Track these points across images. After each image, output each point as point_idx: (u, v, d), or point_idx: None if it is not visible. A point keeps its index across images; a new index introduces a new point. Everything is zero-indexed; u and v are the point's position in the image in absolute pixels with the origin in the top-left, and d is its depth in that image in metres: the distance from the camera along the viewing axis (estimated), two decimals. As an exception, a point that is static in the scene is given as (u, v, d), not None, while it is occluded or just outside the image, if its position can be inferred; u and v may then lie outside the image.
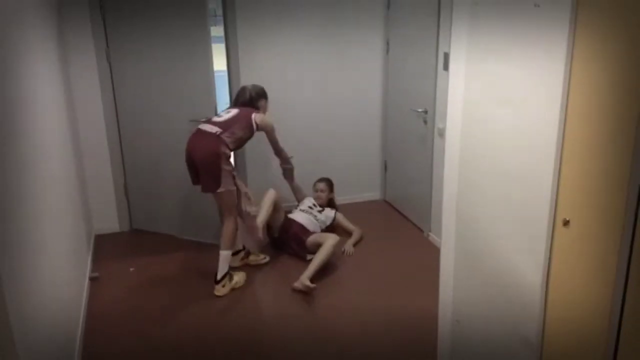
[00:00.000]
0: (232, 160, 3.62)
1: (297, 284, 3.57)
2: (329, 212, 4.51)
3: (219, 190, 3.44)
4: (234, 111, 3.71)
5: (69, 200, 3.28)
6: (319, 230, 4.23)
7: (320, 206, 4.50)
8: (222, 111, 3.78)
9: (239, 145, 3.69)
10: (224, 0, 4.50)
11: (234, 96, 4.11)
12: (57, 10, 3.85)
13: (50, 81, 3.10)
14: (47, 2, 3.29)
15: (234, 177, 3.52)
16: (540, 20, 1.86)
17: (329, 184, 4.64)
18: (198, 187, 3.57)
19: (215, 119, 3.64)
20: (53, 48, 3.38)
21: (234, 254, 3.75)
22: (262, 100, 3.91)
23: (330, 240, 3.81)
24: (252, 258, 4.00)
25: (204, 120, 3.70)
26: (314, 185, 4.60)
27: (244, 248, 3.98)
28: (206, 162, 3.41)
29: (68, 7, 4.05)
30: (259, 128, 3.74)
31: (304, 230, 4.09)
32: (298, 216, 4.27)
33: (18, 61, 2.25)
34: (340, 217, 4.54)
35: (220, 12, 4.83)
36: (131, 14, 4.04)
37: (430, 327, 2.88)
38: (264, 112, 3.93)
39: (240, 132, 3.61)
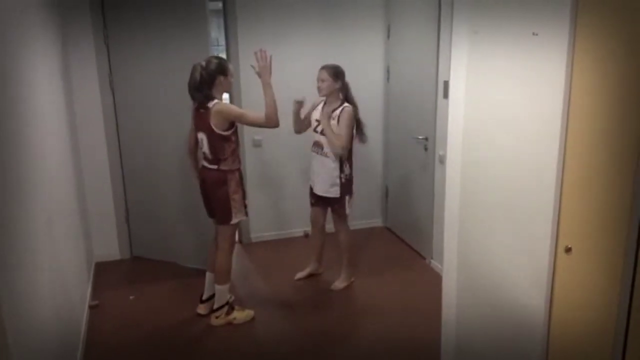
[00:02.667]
0: (241, 182, 3.42)
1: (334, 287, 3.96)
2: (332, 126, 3.66)
3: (231, 223, 3.40)
4: (202, 136, 3.29)
5: (69, 227, 3.27)
6: (335, 173, 3.73)
7: (325, 97, 3.71)
8: (198, 134, 3.33)
9: (233, 153, 3.33)
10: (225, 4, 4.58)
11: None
12: (60, 21, 3.86)
13: (53, 101, 3.12)
14: (49, 8, 3.31)
15: (245, 206, 3.46)
16: (539, 49, 1.89)
17: (332, 70, 3.64)
18: (200, 216, 3.55)
19: (205, 152, 3.33)
20: (55, 64, 3.40)
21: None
22: (219, 77, 3.24)
23: (343, 236, 3.95)
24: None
25: (203, 156, 3.41)
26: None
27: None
28: (216, 193, 3.36)
29: (70, 22, 4.09)
30: (226, 126, 3.22)
31: (325, 201, 3.86)
32: (316, 186, 3.82)
33: (20, 79, 2.27)
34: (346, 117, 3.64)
35: (222, 41, 4.91)
36: (133, 26, 4.10)
37: (434, 354, 2.85)
38: (225, 89, 3.33)
39: (227, 151, 3.28)
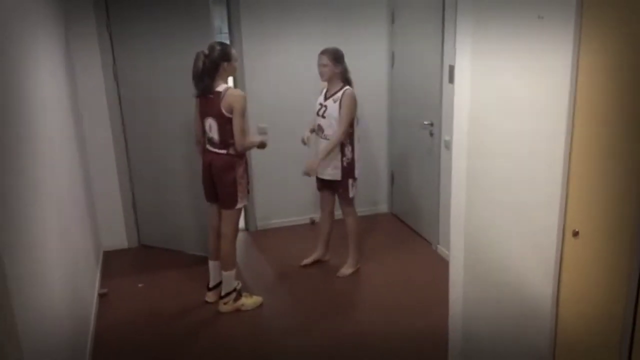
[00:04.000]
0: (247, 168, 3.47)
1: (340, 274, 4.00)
2: (332, 108, 3.69)
3: (237, 207, 3.42)
4: (211, 122, 3.30)
5: (77, 217, 3.29)
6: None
7: (327, 82, 3.76)
8: (206, 120, 3.36)
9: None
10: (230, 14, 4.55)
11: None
12: (62, 11, 3.86)
13: (57, 92, 3.13)
14: (54, 5, 3.30)
15: (248, 191, 3.50)
16: (545, 32, 1.87)
17: (332, 54, 3.69)
18: (204, 203, 3.57)
19: (213, 138, 3.33)
20: (59, 54, 3.40)
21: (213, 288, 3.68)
22: (223, 63, 3.26)
23: (350, 221, 3.97)
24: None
25: (208, 141, 3.40)
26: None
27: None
28: (223, 178, 3.36)
29: (73, 12, 4.09)
30: (231, 112, 3.24)
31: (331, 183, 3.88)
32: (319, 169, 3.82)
33: (24, 70, 2.28)
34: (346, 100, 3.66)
35: (225, 29, 4.89)
36: (135, 15, 4.09)
37: (441, 340, 2.87)
38: (230, 74, 3.37)
39: (234, 136, 3.30)
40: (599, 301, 1.81)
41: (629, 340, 1.69)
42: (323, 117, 3.76)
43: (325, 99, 3.77)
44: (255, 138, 3.58)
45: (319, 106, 3.81)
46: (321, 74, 3.73)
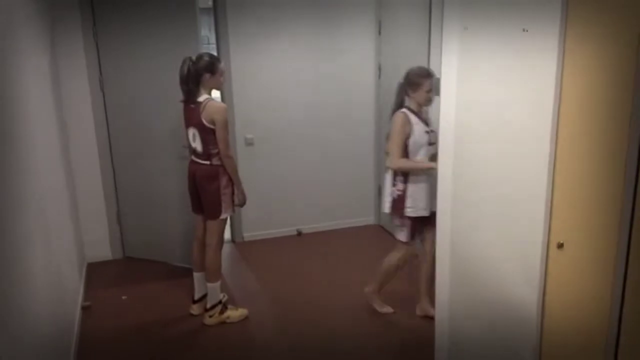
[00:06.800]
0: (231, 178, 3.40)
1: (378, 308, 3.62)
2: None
3: (221, 217, 3.40)
4: (194, 132, 3.30)
5: (61, 228, 3.25)
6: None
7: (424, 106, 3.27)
8: (189, 130, 3.35)
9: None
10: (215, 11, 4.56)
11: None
12: (49, 18, 3.82)
13: (43, 99, 3.10)
14: (37, 5, 3.27)
15: (233, 202, 3.49)
16: (529, 45, 1.89)
17: None
18: (192, 215, 3.55)
19: (197, 148, 3.33)
20: (44, 63, 3.37)
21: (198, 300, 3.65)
22: (205, 74, 3.23)
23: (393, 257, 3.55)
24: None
25: (193, 152, 3.40)
26: (415, 81, 3.20)
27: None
28: (206, 188, 3.36)
29: (59, 20, 4.06)
30: (212, 123, 3.22)
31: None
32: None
33: (8, 78, 2.25)
34: None
35: (213, 39, 4.89)
36: (122, 24, 4.08)
37: (427, 350, 2.86)
38: (213, 87, 3.34)
39: (217, 146, 3.28)
40: (583, 310, 1.82)
41: (613, 349, 1.70)
42: (433, 143, 3.20)
43: (426, 124, 3.26)
44: (240, 181, 3.44)
45: (427, 134, 3.21)
46: (430, 100, 3.19)
